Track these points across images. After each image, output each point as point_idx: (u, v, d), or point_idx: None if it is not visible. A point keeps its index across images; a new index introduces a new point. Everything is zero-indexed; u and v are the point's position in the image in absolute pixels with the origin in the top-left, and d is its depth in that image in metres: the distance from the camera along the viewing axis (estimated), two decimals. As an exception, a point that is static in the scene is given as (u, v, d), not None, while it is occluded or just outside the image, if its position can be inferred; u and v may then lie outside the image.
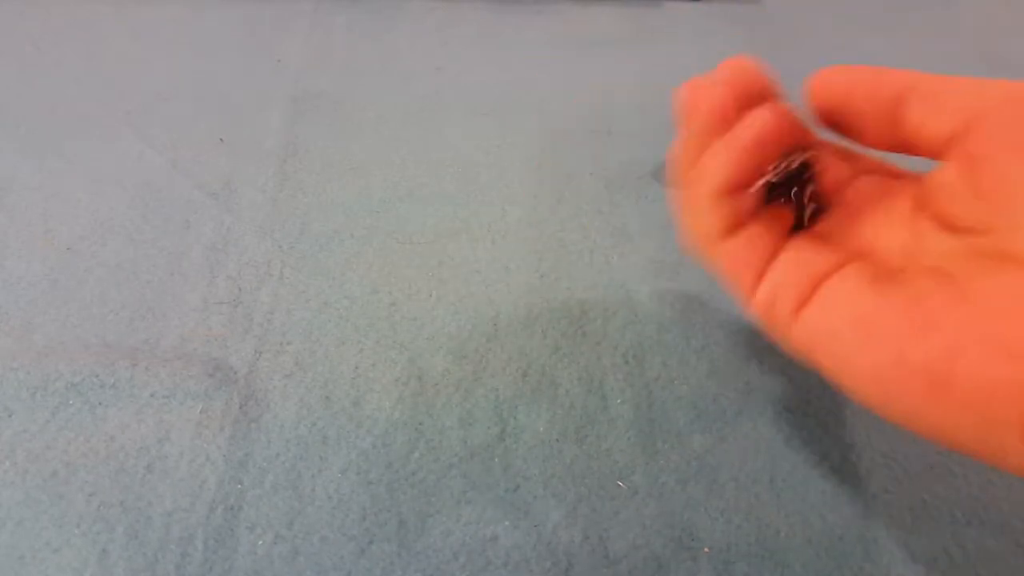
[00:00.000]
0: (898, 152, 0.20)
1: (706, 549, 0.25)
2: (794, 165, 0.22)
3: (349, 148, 0.41)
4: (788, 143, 0.22)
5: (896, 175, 0.22)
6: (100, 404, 0.28)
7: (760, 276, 0.21)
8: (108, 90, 0.44)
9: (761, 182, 0.21)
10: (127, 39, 0.50)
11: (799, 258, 0.21)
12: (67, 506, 0.25)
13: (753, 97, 0.21)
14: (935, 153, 0.19)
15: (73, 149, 0.40)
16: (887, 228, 0.21)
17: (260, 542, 0.25)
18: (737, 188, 0.21)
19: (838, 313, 0.19)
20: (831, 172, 0.22)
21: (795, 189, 0.21)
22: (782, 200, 0.22)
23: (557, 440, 0.28)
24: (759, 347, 0.31)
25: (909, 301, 0.18)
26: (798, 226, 0.22)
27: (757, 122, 0.20)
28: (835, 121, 0.21)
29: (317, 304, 0.32)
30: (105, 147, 0.40)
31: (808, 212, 0.22)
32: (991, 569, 0.25)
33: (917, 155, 0.20)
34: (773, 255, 0.21)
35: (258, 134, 0.42)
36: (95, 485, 0.26)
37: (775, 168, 0.22)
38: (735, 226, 0.21)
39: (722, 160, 0.21)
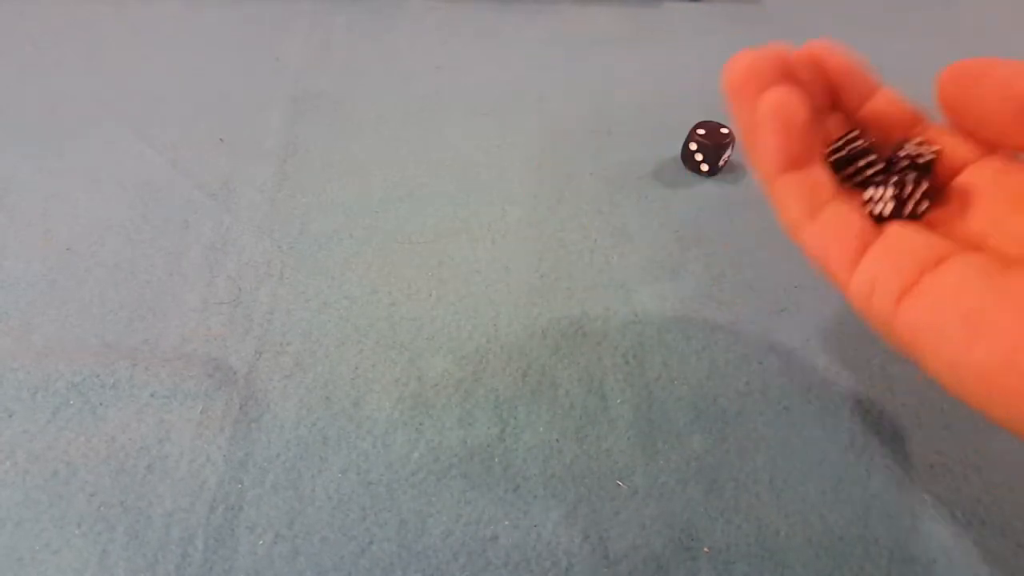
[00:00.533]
0: None
1: (706, 549, 0.25)
2: (856, 143, 0.21)
3: (349, 148, 0.41)
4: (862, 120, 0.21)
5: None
6: (100, 404, 0.28)
7: (855, 261, 0.20)
8: (108, 90, 0.44)
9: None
10: (127, 39, 0.50)
11: (902, 244, 0.19)
12: (67, 506, 0.25)
13: (834, 81, 0.21)
14: None
15: (73, 149, 0.40)
16: (1007, 215, 0.19)
17: (260, 542, 0.25)
18: (788, 166, 0.20)
19: (946, 306, 0.17)
20: (948, 155, 0.21)
21: (894, 176, 0.20)
22: (875, 182, 0.21)
23: (557, 440, 0.28)
24: (759, 347, 0.31)
25: None
26: (896, 215, 0.21)
27: (770, 96, 0.19)
28: (964, 115, 0.20)
29: (317, 304, 0.32)
30: (105, 147, 0.40)
31: (911, 206, 0.20)
32: (992, 570, 0.25)
33: None
34: (867, 239, 0.20)
35: (258, 134, 0.42)
36: (95, 485, 0.26)
37: (839, 143, 0.21)
38: (814, 207, 0.20)
39: (763, 138, 0.20)
